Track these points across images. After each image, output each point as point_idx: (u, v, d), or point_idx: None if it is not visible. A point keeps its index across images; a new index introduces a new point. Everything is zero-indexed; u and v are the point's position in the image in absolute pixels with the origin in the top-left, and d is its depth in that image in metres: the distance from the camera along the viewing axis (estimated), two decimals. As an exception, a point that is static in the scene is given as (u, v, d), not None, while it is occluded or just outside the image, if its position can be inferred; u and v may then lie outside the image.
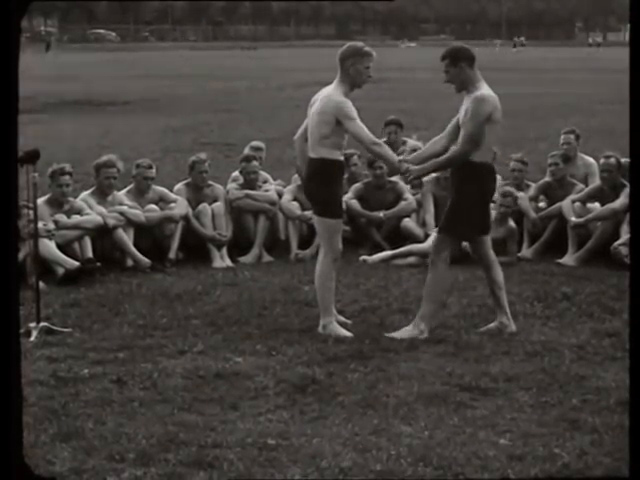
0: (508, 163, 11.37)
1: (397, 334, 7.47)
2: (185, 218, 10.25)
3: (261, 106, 30.18)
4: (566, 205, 10.43)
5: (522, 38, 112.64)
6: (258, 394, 6.30)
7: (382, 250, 10.39)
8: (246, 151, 11.25)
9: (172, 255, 10.10)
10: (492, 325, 7.72)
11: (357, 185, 10.90)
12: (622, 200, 9.98)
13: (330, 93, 7.53)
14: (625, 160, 10.01)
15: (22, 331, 7.25)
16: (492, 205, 10.39)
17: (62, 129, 23.45)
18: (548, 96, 33.56)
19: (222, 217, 10.41)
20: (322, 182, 7.57)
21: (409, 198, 10.87)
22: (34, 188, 7.71)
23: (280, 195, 10.78)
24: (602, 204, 10.27)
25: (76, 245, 9.55)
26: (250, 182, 10.72)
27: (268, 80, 43.61)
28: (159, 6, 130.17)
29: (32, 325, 7.56)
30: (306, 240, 10.51)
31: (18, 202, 5.69)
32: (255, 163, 10.79)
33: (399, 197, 10.87)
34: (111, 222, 9.81)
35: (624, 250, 9.47)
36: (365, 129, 7.46)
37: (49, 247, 9.15)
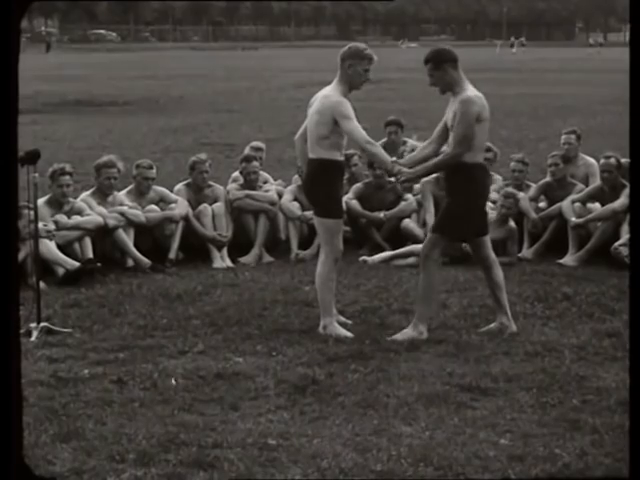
0: (509, 163, 11.37)
1: (398, 336, 7.47)
2: (185, 218, 10.25)
3: (261, 106, 30.19)
4: (566, 205, 10.43)
5: (522, 38, 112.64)
6: (258, 394, 6.30)
7: (382, 250, 10.39)
8: (246, 151, 11.25)
9: (172, 255, 10.10)
10: (492, 325, 7.72)
11: (357, 185, 10.90)
12: (622, 200, 9.98)
13: (328, 93, 7.52)
14: (625, 160, 10.02)
15: (22, 331, 7.25)
16: (493, 206, 10.47)
17: (62, 129, 23.46)
18: (548, 96, 33.55)
19: (222, 217, 10.41)
20: (321, 183, 7.56)
21: (409, 198, 10.87)
22: (34, 188, 7.71)
23: (280, 195, 10.78)
24: (602, 204, 10.26)
25: (76, 245, 9.55)
26: (250, 182, 10.72)
27: (269, 80, 43.64)
28: (160, 6, 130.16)
29: (32, 325, 7.56)
30: (306, 240, 10.51)
31: (18, 202, 5.69)
32: (255, 163, 10.79)
33: (399, 197, 10.87)
34: (111, 222, 9.81)
35: (624, 250, 9.47)
36: (360, 128, 7.42)
37: (49, 247, 9.15)
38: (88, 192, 10.27)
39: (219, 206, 10.43)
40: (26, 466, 4.36)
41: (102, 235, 9.82)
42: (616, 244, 9.77)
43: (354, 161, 11.07)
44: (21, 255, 8.72)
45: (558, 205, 10.52)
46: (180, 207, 10.25)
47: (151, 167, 10.42)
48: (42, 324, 7.61)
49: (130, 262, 9.82)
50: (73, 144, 20.25)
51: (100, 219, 9.76)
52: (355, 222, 10.74)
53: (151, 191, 10.38)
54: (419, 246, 10.13)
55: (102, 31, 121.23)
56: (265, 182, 11.02)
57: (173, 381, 6.51)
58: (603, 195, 10.37)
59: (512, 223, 10.21)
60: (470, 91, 7.40)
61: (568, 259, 10.13)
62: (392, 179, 10.63)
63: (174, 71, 52.62)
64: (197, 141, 20.84)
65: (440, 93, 7.59)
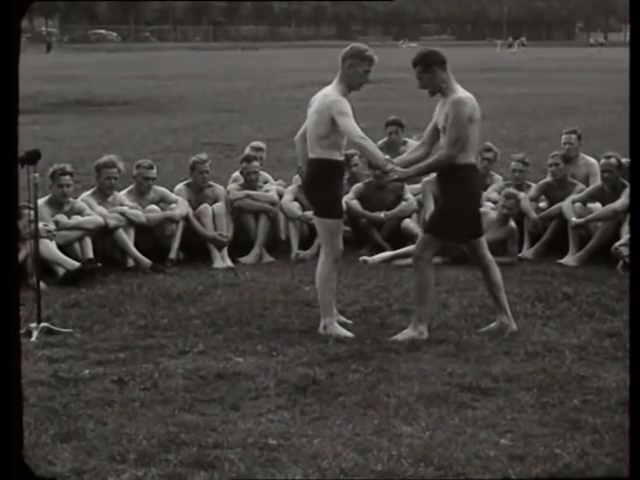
0: (509, 163, 11.37)
1: (398, 336, 7.46)
2: (186, 218, 10.25)
3: (262, 106, 30.19)
4: (567, 205, 10.43)
5: (523, 38, 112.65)
6: (259, 394, 6.30)
7: (383, 250, 10.39)
8: (247, 151, 11.24)
9: (173, 255, 10.10)
10: (493, 325, 7.72)
11: (358, 185, 10.90)
12: (623, 200, 9.97)
13: (328, 92, 7.52)
14: (626, 160, 10.01)
15: (23, 331, 7.25)
16: (493, 206, 10.47)
17: (63, 129, 23.46)
18: (549, 96, 33.55)
19: (223, 217, 10.41)
20: (321, 183, 7.56)
21: (410, 198, 10.87)
22: (35, 188, 7.70)
23: (281, 195, 10.78)
24: (603, 204, 10.26)
25: (77, 245, 9.55)
26: (251, 182, 10.71)
27: (269, 80, 43.63)
28: (160, 6, 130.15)
29: (33, 325, 7.56)
30: (307, 240, 10.51)
31: (19, 202, 5.69)
32: (256, 163, 10.78)
33: (400, 197, 10.87)
34: (112, 222, 9.81)
35: (625, 250, 9.46)
36: (355, 125, 7.38)
37: (50, 247, 9.15)
38: (88, 192, 10.27)
39: (219, 206, 10.43)
40: (26, 466, 4.36)
41: (102, 235, 9.82)
42: (617, 244, 9.76)
43: (354, 161, 11.07)
44: (21, 255, 8.72)
45: (558, 205, 10.52)
46: (180, 207, 10.25)
47: (151, 167, 10.42)
48: (42, 324, 7.61)
49: (130, 262, 9.82)
50: (73, 144, 20.25)
51: (100, 219, 9.76)
52: (355, 222, 10.74)
53: (151, 191, 10.38)
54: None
55: (102, 31, 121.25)
56: (265, 182, 11.02)
57: None
58: (604, 195, 10.36)
59: (512, 223, 10.20)
60: (461, 92, 7.39)
61: (568, 259, 10.12)
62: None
63: (174, 71, 52.62)
64: (197, 141, 20.84)
65: (429, 95, 7.57)
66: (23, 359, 6.22)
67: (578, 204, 10.40)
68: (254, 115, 27.08)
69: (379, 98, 28.54)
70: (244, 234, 10.58)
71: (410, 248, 10.19)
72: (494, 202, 10.62)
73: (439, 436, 5.59)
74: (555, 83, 41.41)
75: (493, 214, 10.22)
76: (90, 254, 9.54)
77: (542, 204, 10.80)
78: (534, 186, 10.96)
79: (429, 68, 7.41)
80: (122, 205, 10.06)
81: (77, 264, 9.22)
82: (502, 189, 10.68)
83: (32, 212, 7.92)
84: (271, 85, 40.59)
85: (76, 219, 9.67)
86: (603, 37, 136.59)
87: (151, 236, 10.20)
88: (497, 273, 7.70)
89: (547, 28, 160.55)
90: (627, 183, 9.89)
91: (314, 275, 7.86)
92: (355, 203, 10.71)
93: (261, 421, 5.83)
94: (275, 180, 11.42)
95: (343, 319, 7.89)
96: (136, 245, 9.93)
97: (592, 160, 11.27)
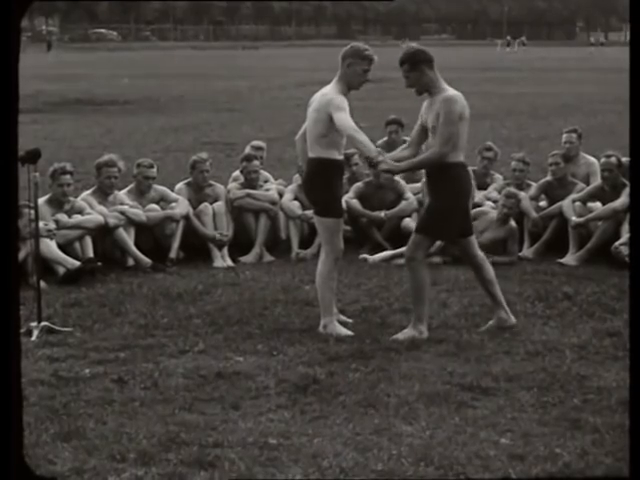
0: (509, 163, 11.37)
1: (398, 336, 7.46)
2: (186, 218, 10.25)
3: (262, 106, 30.20)
4: (567, 205, 10.42)
5: (523, 37, 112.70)
6: (259, 394, 6.30)
7: (383, 250, 10.39)
8: (247, 150, 11.24)
9: (173, 255, 10.10)
10: (492, 322, 7.71)
11: (358, 185, 10.90)
12: (623, 199, 9.97)
13: (327, 91, 7.51)
14: (626, 159, 10.01)
15: (23, 330, 7.25)
16: (494, 205, 10.47)
17: (63, 128, 23.47)
18: (549, 95, 33.55)
19: (223, 217, 10.41)
20: (321, 182, 7.55)
21: (410, 198, 10.86)
22: (35, 187, 7.70)
23: (281, 195, 10.78)
24: (603, 203, 10.25)
25: (77, 245, 9.55)
26: (251, 181, 10.72)
27: (269, 80, 43.63)
28: (160, 6, 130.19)
29: (33, 324, 7.56)
30: (307, 240, 10.51)
31: (19, 201, 5.69)
32: (256, 162, 10.78)
33: (400, 197, 10.87)
34: (112, 222, 9.81)
35: (625, 250, 9.46)
36: (349, 119, 7.34)
37: (50, 247, 9.15)
38: (89, 191, 10.27)
39: (220, 205, 10.43)
40: (26, 466, 4.36)
41: (103, 234, 9.82)
42: (617, 243, 9.76)
43: (354, 160, 11.06)
44: (22, 254, 8.72)
45: (559, 204, 10.51)
46: (181, 206, 10.25)
47: (152, 166, 10.42)
48: (43, 323, 7.61)
49: (131, 261, 9.82)
50: (74, 143, 20.26)
51: (101, 218, 9.76)
52: (356, 221, 10.73)
53: (152, 190, 10.38)
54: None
55: (103, 30, 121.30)
56: (266, 181, 11.02)
57: None
58: (604, 194, 10.36)
59: (512, 222, 10.20)
60: (450, 90, 7.38)
61: (569, 258, 10.12)
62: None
63: (175, 70, 52.64)
64: (198, 140, 20.84)
65: (417, 94, 7.54)
66: (23, 358, 6.23)
67: (578, 203, 10.40)
68: (254, 114, 27.09)
69: (379, 97, 28.58)
70: (244, 233, 10.58)
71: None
72: (494, 201, 10.62)
73: (439, 435, 5.59)
74: (555, 82, 41.42)
75: (493, 213, 10.22)
76: (90, 253, 9.54)
77: (542, 203, 10.80)
78: (534, 185, 10.96)
79: (417, 67, 7.38)
80: (122, 204, 10.06)
81: (77, 263, 9.23)
82: (502, 188, 10.67)
83: (32, 211, 7.92)
84: (271, 84, 40.59)
85: (76, 218, 9.67)
86: (604, 37, 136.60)
87: (151, 235, 10.20)
88: (490, 270, 7.69)
89: (548, 27, 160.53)
90: (627, 182, 9.89)
91: (314, 274, 7.86)
92: (355, 202, 10.71)
93: (261, 420, 5.83)
94: (275, 179, 11.41)
95: (343, 318, 7.89)
96: (136, 244, 9.93)
97: (592, 159, 11.27)
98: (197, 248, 10.26)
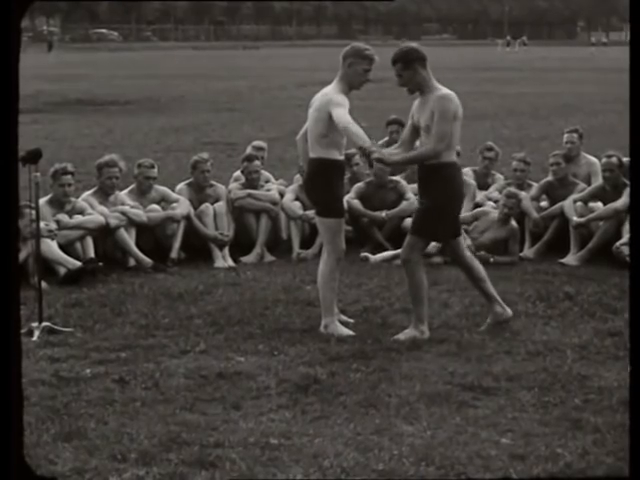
0: (510, 163, 11.37)
1: (400, 336, 7.45)
2: (187, 218, 10.25)
3: (263, 106, 30.19)
4: (568, 205, 10.42)
5: (524, 37, 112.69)
6: (260, 394, 6.29)
7: (384, 250, 10.38)
8: (248, 151, 11.24)
9: (174, 255, 10.09)
10: (489, 320, 7.70)
11: (359, 185, 10.89)
12: (624, 199, 9.96)
13: (328, 91, 7.51)
14: (627, 159, 10.00)
15: (24, 331, 7.26)
16: (495, 205, 10.47)
17: (64, 128, 23.47)
18: (550, 95, 33.54)
19: (224, 217, 10.41)
20: (322, 182, 7.55)
21: (411, 198, 10.84)
22: (36, 188, 7.70)
23: (282, 195, 10.78)
24: (604, 203, 10.25)
25: (78, 245, 9.55)
26: (252, 182, 10.71)
27: (270, 80, 43.63)
28: (161, 6, 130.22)
29: (34, 325, 7.56)
30: (308, 240, 10.51)
31: (19, 202, 5.69)
32: (257, 163, 10.78)
33: (401, 197, 10.86)
34: (113, 222, 9.80)
35: (626, 250, 9.46)
36: (347, 114, 7.30)
37: (51, 247, 9.15)
38: (90, 191, 10.27)
39: (221, 205, 10.43)
40: (27, 466, 4.36)
41: (104, 235, 9.82)
42: (618, 243, 9.76)
43: (355, 160, 11.06)
44: (23, 255, 8.72)
45: (560, 204, 10.51)
46: (182, 206, 10.25)
47: (153, 166, 10.42)
48: (44, 323, 7.61)
49: (132, 262, 9.82)
50: (74, 143, 20.26)
51: (102, 219, 9.76)
52: (357, 221, 10.73)
53: (153, 190, 10.38)
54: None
55: (104, 30, 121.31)
56: (267, 181, 11.02)
57: None
58: (605, 194, 10.36)
59: (513, 222, 10.19)
60: (444, 89, 7.36)
61: (570, 258, 10.12)
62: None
63: (176, 70, 52.64)
64: (198, 140, 20.84)
65: (409, 93, 7.53)
66: (24, 358, 6.23)
67: (579, 203, 10.39)
68: (255, 114, 27.09)
69: (380, 97, 28.54)
70: (245, 233, 10.58)
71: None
72: (495, 201, 10.62)
73: (440, 435, 5.59)
74: (556, 82, 41.40)
75: (494, 213, 10.22)
76: (91, 253, 9.54)
77: (543, 203, 10.79)
78: (535, 185, 10.95)
79: (410, 65, 7.35)
80: (123, 204, 10.06)
81: (78, 263, 9.22)
82: (503, 188, 10.67)
83: (33, 211, 7.92)
84: (272, 84, 40.58)
85: (77, 218, 9.67)
86: (605, 36, 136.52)
87: (152, 235, 10.19)
88: (480, 268, 7.69)
89: (548, 27, 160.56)
90: (628, 182, 9.88)
91: (315, 274, 7.85)
92: (356, 202, 10.70)
93: (262, 420, 5.83)
94: (276, 179, 11.42)
95: (344, 318, 7.88)
96: (137, 244, 9.93)
97: (593, 159, 11.26)
98: (198, 248, 10.26)
